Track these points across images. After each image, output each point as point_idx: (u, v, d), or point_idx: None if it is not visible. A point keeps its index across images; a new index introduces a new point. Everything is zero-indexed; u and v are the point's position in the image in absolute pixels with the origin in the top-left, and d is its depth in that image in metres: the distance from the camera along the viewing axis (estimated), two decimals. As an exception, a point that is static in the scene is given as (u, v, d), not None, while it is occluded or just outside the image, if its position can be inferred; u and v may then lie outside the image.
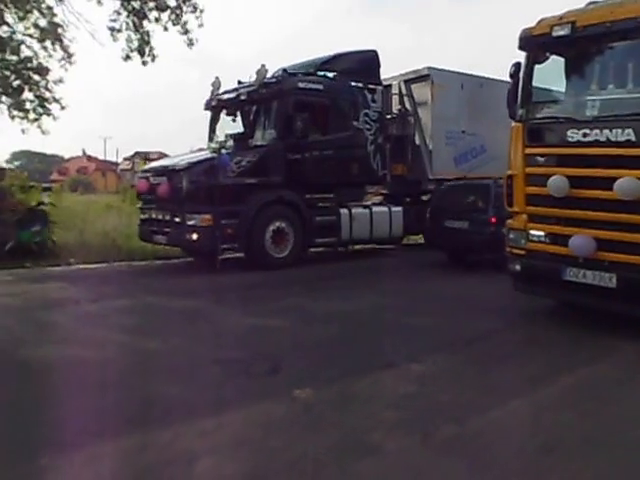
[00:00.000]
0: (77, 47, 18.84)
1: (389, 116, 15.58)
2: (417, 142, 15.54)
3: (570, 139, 7.44)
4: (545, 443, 4.68)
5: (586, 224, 7.35)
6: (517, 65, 8.21)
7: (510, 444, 4.71)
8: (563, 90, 8.25)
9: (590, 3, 7.91)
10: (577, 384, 6.09)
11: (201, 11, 18.29)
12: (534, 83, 8.15)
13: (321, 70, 14.19)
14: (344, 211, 13.89)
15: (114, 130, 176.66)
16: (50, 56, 18.38)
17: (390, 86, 15.66)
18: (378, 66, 14.83)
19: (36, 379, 6.11)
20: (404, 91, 15.67)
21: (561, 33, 7.50)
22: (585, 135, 7.28)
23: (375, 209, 14.73)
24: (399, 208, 14.94)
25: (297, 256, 13.02)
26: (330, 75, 14.18)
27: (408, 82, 15.65)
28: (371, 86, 14.59)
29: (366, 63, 14.66)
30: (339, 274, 12.71)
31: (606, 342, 7.14)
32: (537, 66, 8.10)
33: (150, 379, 6.06)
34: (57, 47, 18.25)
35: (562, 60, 8.16)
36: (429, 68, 15.24)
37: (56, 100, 18.83)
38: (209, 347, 7.16)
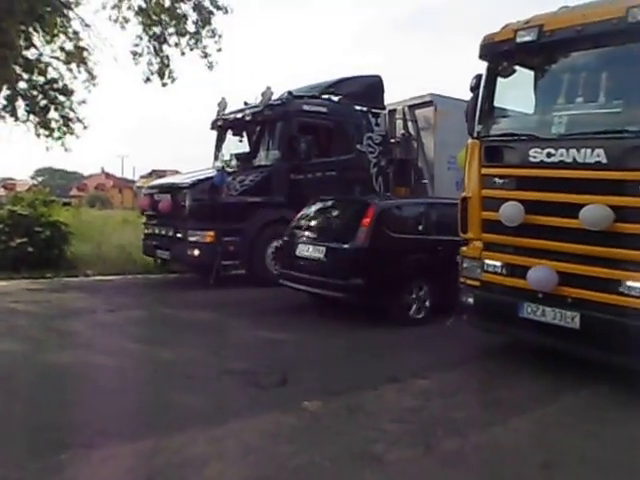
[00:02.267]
0: (100, 70, 19.53)
1: (393, 140, 15.74)
2: (420, 165, 15.64)
3: (532, 159, 6.76)
4: (544, 460, 4.81)
5: (547, 255, 6.68)
6: (479, 77, 7.58)
7: (510, 460, 4.82)
8: (526, 105, 7.59)
9: (563, 7, 7.04)
10: (579, 405, 6.14)
11: (219, 36, 18.81)
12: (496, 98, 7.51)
13: (326, 93, 14.43)
14: (346, 231, 13.94)
15: (132, 149, 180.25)
16: (75, 78, 19.19)
17: (395, 111, 15.85)
18: (382, 91, 15.07)
19: (55, 383, 6.37)
20: (408, 116, 15.79)
21: (526, 39, 6.81)
22: (549, 155, 6.60)
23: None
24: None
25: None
26: (335, 98, 14.37)
27: (412, 107, 15.77)
28: (375, 110, 14.83)
29: (370, 88, 14.88)
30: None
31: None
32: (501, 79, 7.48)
33: (164, 387, 6.31)
34: (82, 69, 18.95)
35: (529, 73, 7.50)
36: (432, 95, 15.35)
37: (79, 120, 19.63)
38: (221, 358, 7.39)
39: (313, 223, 10.67)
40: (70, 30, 18.30)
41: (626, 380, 6.19)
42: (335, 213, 10.94)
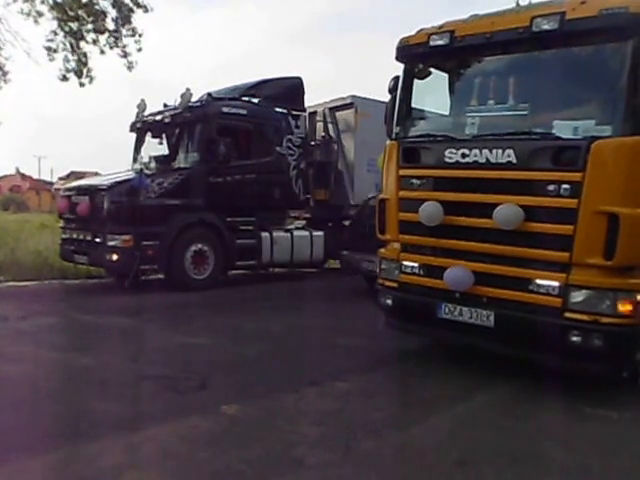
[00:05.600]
0: (13, 65, 18.71)
1: (313, 142, 15.76)
2: (340, 168, 15.65)
3: (448, 160, 6.82)
4: (460, 457, 4.87)
5: (464, 255, 6.76)
6: (397, 79, 7.64)
7: (427, 458, 4.87)
8: (443, 107, 7.72)
9: (473, 15, 7.23)
10: (494, 401, 6.25)
11: (140, 35, 18.50)
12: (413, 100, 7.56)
13: (246, 95, 14.34)
14: (265, 235, 13.97)
15: (49, 149, 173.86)
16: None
17: (315, 113, 15.88)
18: (302, 93, 15.04)
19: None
20: (328, 118, 15.81)
21: (439, 43, 6.98)
22: (464, 156, 6.68)
23: (296, 233, 14.86)
24: (320, 232, 15.07)
25: (217, 278, 13.11)
26: (255, 100, 14.31)
27: (333, 110, 15.79)
28: (295, 112, 14.78)
29: (291, 89, 14.85)
30: (262, 296, 12.86)
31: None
32: (418, 81, 7.56)
33: (79, 394, 6.12)
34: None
35: (444, 76, 7.62)
36: (353, 97, 15.35)
37: (-10, 118, 18.85)
38: (138, 364, 7.24)
39: None
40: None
41: (537, 375, 6.41)
42: None
